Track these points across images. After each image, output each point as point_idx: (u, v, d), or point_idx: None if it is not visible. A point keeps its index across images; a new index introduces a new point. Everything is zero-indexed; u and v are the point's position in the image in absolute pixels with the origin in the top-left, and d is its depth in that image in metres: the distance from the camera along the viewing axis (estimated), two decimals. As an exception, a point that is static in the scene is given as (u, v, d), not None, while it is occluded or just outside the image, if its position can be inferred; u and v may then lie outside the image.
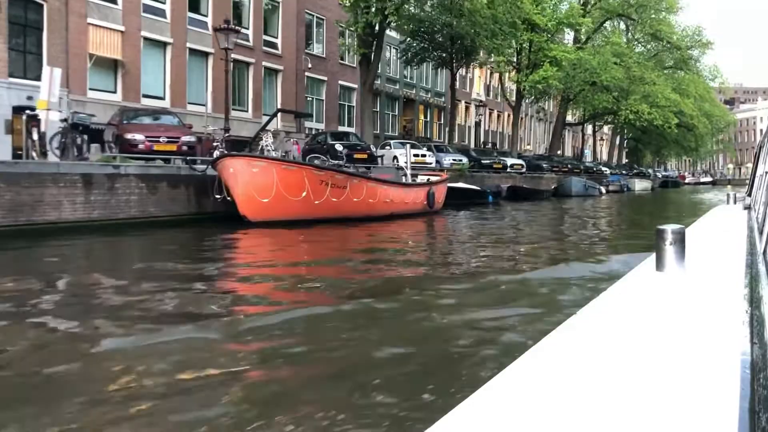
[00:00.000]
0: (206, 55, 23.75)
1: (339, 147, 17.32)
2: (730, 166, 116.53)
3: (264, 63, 26.46)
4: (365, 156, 18.66)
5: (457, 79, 44.91)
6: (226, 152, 12.03)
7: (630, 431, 0.74)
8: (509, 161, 29.84)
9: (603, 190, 34.76)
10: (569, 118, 52.17)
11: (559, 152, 60.24)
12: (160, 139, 12.97)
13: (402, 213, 14.39)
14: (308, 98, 29.25)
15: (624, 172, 53.51)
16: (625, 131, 58.37)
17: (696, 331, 1.18)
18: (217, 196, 11.69)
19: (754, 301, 1.30)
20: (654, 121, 35.14)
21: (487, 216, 16.83)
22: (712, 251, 2.46)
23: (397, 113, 36.96)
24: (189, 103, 23.04)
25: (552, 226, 14.61)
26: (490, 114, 49.36)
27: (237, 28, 16.81)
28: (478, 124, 47.90)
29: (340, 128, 31.31)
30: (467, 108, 45.95)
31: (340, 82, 31.12)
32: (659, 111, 35.15)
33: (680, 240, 1.70)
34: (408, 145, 16.81)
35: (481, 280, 6.85)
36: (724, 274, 1.81)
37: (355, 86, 32.46)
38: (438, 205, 16.62)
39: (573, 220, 16.78)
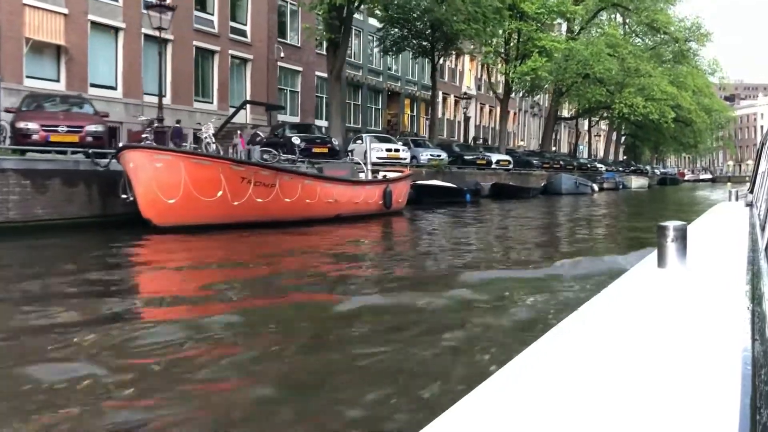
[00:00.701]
0: (166, 42, 22.00)
1: (296, 140, 15.65)
2: (730, 163, 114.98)
3: (231, 51, 24.75)
4: (325, 150, 16.93)
5: (446, 71, 43.46)
6: (135, 144, 10.31)
7: (632, 427, 0.74)
8: (495, 157, 28.13)
9: (596, 187, 33.03)
10: (565, 113, 50.45)
11: (554, 148, 58.68)
12: (59, 129, 11.07)
13: (351, 214, 12.60)
14: (281, 90, 27.54)
15: (621, 169, 51.82)
16: (623, 127, 56.67)
17: (697, 328, 1.20)
18: (123, 196, 9.96)
19: (755, 297, 1.27)
20: (650, 115, 33.34)
21: (459, 217, 15.09)
22: (713, 248, 2.49)
23: (380, 107, 35.23)
24: (146, 94, 21.33)
25: (528, 231, 12.87)
26: (481, 109, 47.62)
27: (171, 5, 15.06)
28: (468, 119, 46.17)
29: (317, 122, 29.62)
30: (456, 102, 44.20)
31: (318, 73, 29.37)
32: (655, 105, 33.34)
33: (682, 237, 1.72)
34: (368, 138, 15.03)
35: (393, 309, 5.18)
36: (725, 271, 1.81)
37: (334, 78, 30.76)
38: (398, 204, 14.84)
39: (552, 224, 15.08)
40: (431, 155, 22.05)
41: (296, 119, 28.06)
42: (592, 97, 34.64)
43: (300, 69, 28.42)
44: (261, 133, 16.93)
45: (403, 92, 37.06)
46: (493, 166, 27.61)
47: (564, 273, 6.62)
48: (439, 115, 42.06)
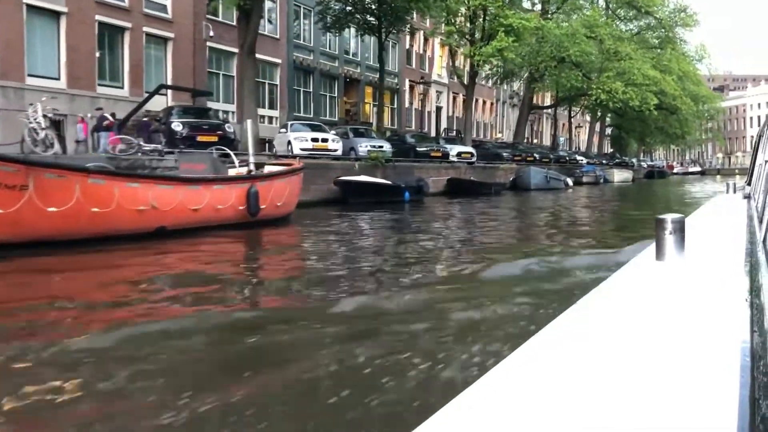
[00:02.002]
0: (57, 15, 18.72)
1: (177, 126, 12.51)
2: (720, 155, 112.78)
3: (146, 29, 21.45)
4: (214, 138, 13.67)
5: (414, 57, 40.24)
6: None
7: (632, 419, 0.74)
8: (456, 149, 25.00)
9: (570, 182, 29.97)
10: (547, 101, 47.31)
11: (535, 141, 55.63)
12: None
13: (187, 227, 9.13)
14: (213, 73, 24.28)
15: (604, 161, 48.85)
16: (606, 117, 53.71)
17: (696, 320, 1.20)
18: None
19: (753, 289, 1.27)
20: (630, 101, 30.24)
21: (376, 224, 11.87)
22: (711, 240, 2.48)
23: (336, 95, 32.00)
24: (31, 75, 18.04)
25: (444, 246, 9.70)
26: (454, 98, 44.45)
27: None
28: (439, 109, 43.03)
29: (260, 111, 26.42)
30: (426, 91, 41.03)
31: (258, 55, 26.00)
32: (636, 90, 30.24)
33: (680, 229, 1.73)
34: (249, 122, 11.69)
35: None
36: (723, 263, 1.82)
37: (279, 61, 27.54)
38: (277, 209, 11.21)
39: (481, 233, 11.94)
40: (371, 146, 18.86)
41: (232, 108, 24.87)
42: (567, 83, 31.51)
43: (235, 51, 25.09)
44: (110, 116, 13.71)
45: (363, 79, 33.82)
46: (454, 159, 24.53)
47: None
48: (406, 104, 38.99)
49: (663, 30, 44.81)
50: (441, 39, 30.90)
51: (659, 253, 1.73)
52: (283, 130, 18.62)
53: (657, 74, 31.98)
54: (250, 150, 11.39)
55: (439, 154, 22.83)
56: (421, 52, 40.27)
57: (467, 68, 29.88)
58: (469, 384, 0.85)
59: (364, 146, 18.77)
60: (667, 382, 0.85)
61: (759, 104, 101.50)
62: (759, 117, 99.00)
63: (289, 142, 17.30)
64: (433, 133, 40.12)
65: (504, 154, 30.63)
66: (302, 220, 12.03)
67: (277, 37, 27.42)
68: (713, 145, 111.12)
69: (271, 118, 26.94)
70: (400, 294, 5.58)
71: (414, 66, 39.54)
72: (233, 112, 24.59)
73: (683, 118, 44.36)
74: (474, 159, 25.35)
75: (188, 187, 9.23)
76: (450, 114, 44.14)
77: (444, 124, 42.80)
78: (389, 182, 16.17)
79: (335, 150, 17.16)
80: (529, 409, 0.77)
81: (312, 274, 6.88)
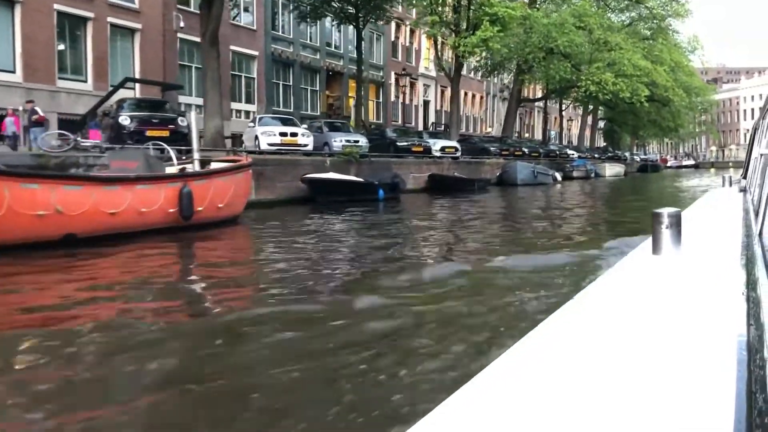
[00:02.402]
0: (12, 3, 17.65)
1: (125, 120, 11.52)
2: (713, 148, 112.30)
3: (111, 19, 20.39)
4: (165, 133, 12.57)
5: (400, 50, 39.19)
6: None
7: (630, 413, 0.75)
8: (439, 144, 24.03)
9: (558, 177, 29.03)
10: (539, 94, 46.33)
11: (527, 135, 54.67)
12: None
13: (103, 233, 8.00)
14: (184, 66, 23.24)
15: (597, 155, 47.96)
16: (599, 110, 52.84)
17: (693, 314, 1.20)
18: None
19: (750, 283, 1.27)
20: (620, 93, 29.26)
21: (327, 229, 10.77)
22: (708, 234, 2.48)
23: (318, 88, 30.98)
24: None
25: (403, 253, 8.74)
26: (443, 92, 43.42)
27: None
28: (427, 104, 42.04)
29: (235, 105, 25.44)
30: (413, 84, 40.04)
31: (233, 47, 25.09)
32: (626, 81, 29.26)
33: (676, 223, 1.73)
34: (192, 112, 10.55)
35: None
36: (720, 257, 1.82)
37: (256, 53, 26.50)
38: (218, 212, 10.02)
39: (451, 233, 10.99)
40: (346, 141, 17.85)
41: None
42: (556, 75, 30.51)
43: (209, 42, 24.06)
44: (39, 110, 12.68)
45: (347, 72, 32.80)
46: (437, 154, 23.58)
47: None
48: (392, 98, 37.99)
49: (655, 20, 43.91)
50: (425, 30, 29.85)
51: (656, 247, 1.75)
52: (252, 124, 17.60)
53: (648, 65, 30.98)
54: (194, 145, 10.31)
55: (421, 149, 21.84)
56: (407, 44, 39.26)
57: (453, 60, 28.87)
58: (465, 383, 0.84)
59: (338, 141, 17.75)
60: (664, 376, 0.86)
61: (753, 96, 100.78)
62: (753, 110, 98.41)
63: (256, 137, 16.31)
64: (421, 128, 39.20)
65: (491, 148, 29.68)
66: (257, 222, 11.01)
67: (254, 28, 26.38)
68: (707, 138, 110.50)
69: (248, 113, 25.93)
70: (330, 319, 4.66)
71: (400, 59, 38.54)
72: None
73: (675, 110, 43.39)
74: (458, 154, 24.39)
75: (103, 188, 8.05)
76: (438, 108, 43.17)
77: (432, 119, 41.83)
78: (361, 179, 15.19)
79: (305, 145, 16.13)
80: (528, 403, 0.77)
81: (229, 292, 5.88)
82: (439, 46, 28.47)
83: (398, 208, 14.58)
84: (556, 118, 53.83)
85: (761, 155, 2.99)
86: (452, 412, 0.75)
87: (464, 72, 46.84)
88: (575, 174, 34.56)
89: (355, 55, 34.05)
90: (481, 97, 49.45)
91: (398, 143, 21.34)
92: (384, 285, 5.88)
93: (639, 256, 1.86)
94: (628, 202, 19.62)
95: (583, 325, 1.15)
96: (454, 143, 24.73)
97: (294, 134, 15.97)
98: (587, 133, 56.26)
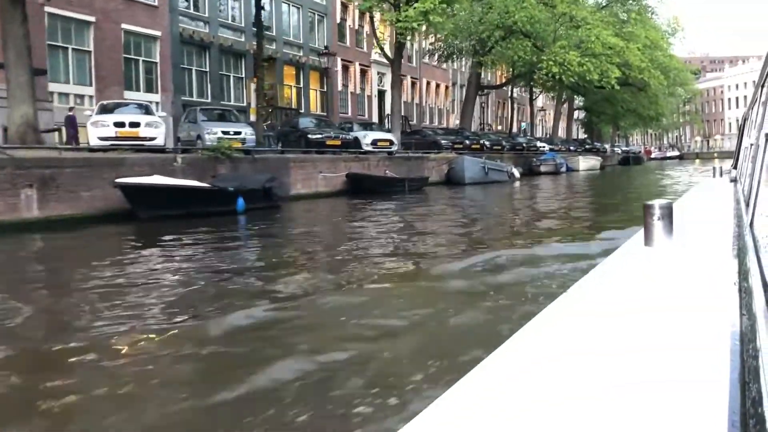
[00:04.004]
0: None
1: None
2: (698, 138, 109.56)
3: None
4: None
5: (348, 33, 35.21)
6: None
7: (624, 404, 0.75)
8: (370, 137, 20.12)
9: (516, 173, 25.21)
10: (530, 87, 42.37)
11: (499, 127, 50.86)
12: None
13: None
14: (57, 47, 19.13)
15: (573, 148, 44.29)
16: (574, 98, 49.16)
17: (685, 305, 1.19)
18: None
19: (741, 273, 1.27)
20: (587, 75, 25.49)
21: (103, 274, 6.91)
22: (699, 225, 2.48)
23: (243, 75, 26.92)
24: None
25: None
26: (401, 80, 39.42)
27: None
28: (382, 94, 38.06)
29: (129, 94, 21.33)
30: (364, 72, 36.07)
31: (126, 26, 21.02)
32: (594, 61, 25.45)
33: (668, 214, 1.75)
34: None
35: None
36: (711, 247, 1.82)
37: (158, 33, 22.41)
38: None
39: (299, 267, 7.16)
40: (222, 132, 13.77)
41: (89, 90, 19.79)
42: (514, 55, 26.64)
43: (91, 19, 19.97)
44: None
45: (281, 57, 28.78)
46: (368, 148, 19.69)
47: None
48: (339, 87, 34.00)
49: (632, 2, 40.33)
50: (357, 4, 25.92)
51: (648, 239, 1.75)
52: (89, 113, 13.60)
53: (619, 42, 27.10)
54: None
55: (338, 143, 17.83)
56: (356, 27, 35.23)
57: (394, 39, 24.99)
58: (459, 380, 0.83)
59: (213, 133, 13.74)
60: (658, 367, 0.85)
61: (737, 85, 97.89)
62: (737, 98, 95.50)
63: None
64: (375, 120, 35.35)
65: (443, 141, 25.84)
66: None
67: (155, 4, 22.30)
68: (692, 129, 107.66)
69: (150, 103, 21.85)
70: None
71: (348, 44, 34.56)
72: (91, 96, 19.54)
73: (653, 95, 39.64)
74: (394, 148, 20.51)
75: None
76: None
77: (388, 110, 37.89)
78: (207, 185, 11.11)
79: (152, 138, 11.96)
80: (524, 396, 0.77)
81: None
82: (376, 23, 24.54)
83: (261, 225, 10.62)
84: (524, 109, 50.07)
85: (751, 145, 3.01)
86: (445, 409, 0.74)
87: (426, 60, 43.08)
88: (543, 169, 30.84)
89: (291, 39, 30.23)
90: (447, 87, 45.57)
91: (310, 136, 17.37)
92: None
93: (631, 247, 1.87)
94: (578, 209, 15.83)
95: (577, 317, 1.14)
96: (388, 136, 20.86)
97: (135, 124, 11.86)
98: (563, 124, 52.61)
